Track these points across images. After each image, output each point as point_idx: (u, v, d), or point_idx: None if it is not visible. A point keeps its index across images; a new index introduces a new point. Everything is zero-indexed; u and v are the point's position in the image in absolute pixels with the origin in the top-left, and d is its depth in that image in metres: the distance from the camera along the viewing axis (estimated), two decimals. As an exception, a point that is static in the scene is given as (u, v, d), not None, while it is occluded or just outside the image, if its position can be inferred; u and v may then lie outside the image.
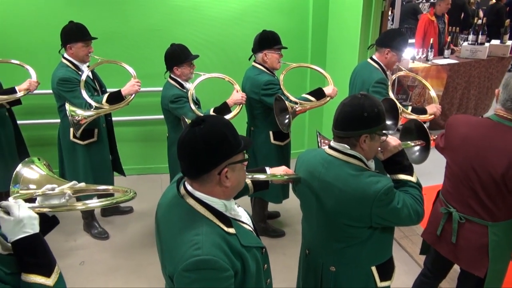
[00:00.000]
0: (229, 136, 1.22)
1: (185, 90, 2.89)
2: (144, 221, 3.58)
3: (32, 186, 1.36)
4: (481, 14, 8.02)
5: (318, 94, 2.94)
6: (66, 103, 2.80)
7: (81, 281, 2.86)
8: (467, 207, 2.01)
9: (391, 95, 2.83)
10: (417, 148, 2.11)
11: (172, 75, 2.92)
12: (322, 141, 2.11)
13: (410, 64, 5.05)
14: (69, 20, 2.94)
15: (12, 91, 2.89)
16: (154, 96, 3.49)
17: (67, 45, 2.89)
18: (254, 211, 3.33)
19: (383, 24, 3.64)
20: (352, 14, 3.73)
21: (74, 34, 2.87)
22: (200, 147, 1.20)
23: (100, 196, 1.50)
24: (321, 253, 1.75)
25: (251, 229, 1.40)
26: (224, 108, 2.85)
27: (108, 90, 3.14)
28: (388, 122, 2.45)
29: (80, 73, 2.91)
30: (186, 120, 2.67)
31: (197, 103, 2.98)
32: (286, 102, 2.74)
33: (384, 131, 1.63)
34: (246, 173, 1.61)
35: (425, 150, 2.08)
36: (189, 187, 1.30)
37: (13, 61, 3.09)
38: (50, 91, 3.14)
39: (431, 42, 5.23)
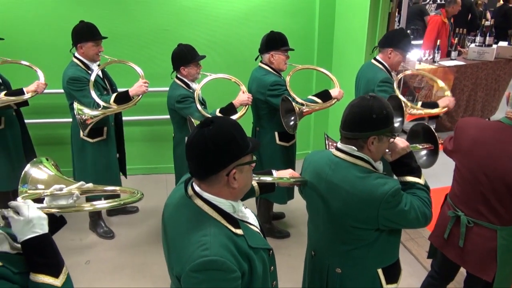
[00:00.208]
0: (237, 138, 1.23)
1: (191, 90, 2.89)
2: (149, 221, 3.59)
3: (40, 186, 1.37)
4: (488, 15, 7.98)
5: (324, 96, 2.93)
6: (75, 102, 2.82)
7: (86, 279, 2.87)
8: (475, 210, 1.99)
9: (398, 94, 2.80)
10: (424, 152, 2.09)
11: (178, 75, 2.93)
12: (329, 143, 2.10)
13: (417, 65, 5.03)
14: (77, 20, 2.97)
15: (20, 92, 2.91)
16: (161, 96, 3.51)
17: (77, 45, 2.92)
18: (260, 212, 3.33)
19: (390, 25, 3.63)
20: (358, 16, 3.71)
21: (85, 33, 2.90)
22: (209, 148, 1.20)
23: (107, 197, 1.51)
24: (327, 255, 1.74)
25: (258, 231, 1.40)
26: (230, 109, 2.85)
27: (117, 89, 3.17)
28: (397, 120, 2.43)
29: (90, 72, 2.94)
30: (192, 120, 2.67)
31: (203, 103, 2.99)
32: (293, 103, 2.73)
33: (393, 132, 1.62)
34: (253, 175, 1.61)
35: (433, 154, 2.06)
36: (197, 188, 1.30)
37: (23, 62, 3.11)
38: (58, 90, 3.17)
39: (438, 43, 5.20)
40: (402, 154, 1.68)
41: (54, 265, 1.19)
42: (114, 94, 2.92)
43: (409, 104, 2.73)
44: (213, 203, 1.27)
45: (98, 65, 3.01)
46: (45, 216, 1.22)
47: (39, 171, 1.40)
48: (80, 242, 3.28)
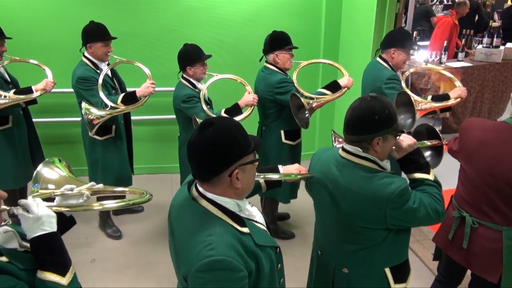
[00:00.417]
0: (238, 138, 1.22)
1: (197, 90, 2.90)
2: (155, 221, 3.60)
3: (51, 186, 1.38)
4: (496, 16, 7.92)
5: (334, 87, 2.91)
6: (83, 102, 2.84)
7: (91, 278, 2.88)
8: (480, 211, 1.98)
9: (406, 90, 2.76)
10: (429, 153, 2.08)
11: (184, 75, 2.93)
12: (336, 139, 2.09)
13: (423, 66, 5.00)
14: (86, 20, 2.99)
15: (29, 90, 2.93)
16: (167, 96, 3.52)
17: (87, 44, 2.94)
18: (264, 212, 3.32)
19: (397, 26, 3.61)
20: (365, 16, 3.70)
21: (94, 33, 2.92)
22: (209, 150, 1.19)
23: (116, 197, 1.52)
24: (334, 254, 1.74)
25: (265, 229, 1.39)
26: (236, 110, 2.85)
27: (126, 88, 3.19)
28: (407, 116, 2.40)
29: (99, 71, 2.95)
30: (197, 120, 2.68)
31: (209, 103, 2.99)
32: (302, 99, 2.72)
33: (398, 130, 1.59)
34: (260, 173, 1.61)
35: (438, 155, 2.05)
36: (200, 189, 1.30)
37: (31, 61, 3.13)
38: (66, 90, 3.19)
39: (444, 44, 5.18)
40: (409, 151, 1.66)
41: (61, 264, 1.20)
42: (122, 95, 2.93)
43: (418, 99, 2.66)
44: (217, 203, 1.27)
45: (107, 65, 3.03)
46: (54, 214, 1.23)
47: (51, 171, 1.41)
48: (85, 241, 3.30)
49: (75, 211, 1.33)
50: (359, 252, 1.65)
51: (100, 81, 2.88)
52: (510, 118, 1.91)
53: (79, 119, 3.18)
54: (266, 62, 3.02)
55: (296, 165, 1.76)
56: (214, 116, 2.75)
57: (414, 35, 5.68)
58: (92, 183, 1.43)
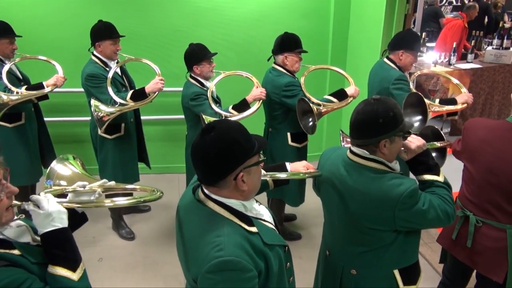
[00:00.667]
0: (241, 141, 1.21)
1: (205, 88, 2.90)
2: (162, 220, 3.60)
3: (63, 182, 1.40)
4: (506, 18, 7.83)
5: (340, 95, 2.91)
6: (92, 99, 2.86)
7: (99, 277, 2.89)
8: (484, 210, 1.98)
9: (414, 90, 2.75)
10: (433, 155, 2.09)
11: (192, 75, 2.94)
12: (344, 139, 2.09)
13: (432, 68, 4.97)
14: (95, 20, 3.01)
15: (40, 86, 2.97)
16: (175, 96, 3.53)
17: (96, 43, 2.97)
18: (271, 213, 3.31)
19: (406, 27, 3.59)
20: (374, 17, 3.69)
21: (103, 32, 2.95)
22: (212, 155, 1.19)
23: (126, 194, 1.54)
24: (342, 255, 1.73)
25: (273, 227, 1.39)
26: (243, 105, 2.84)
27: (135, 86, 3.20)
28: (417, 118, 2.38)
29: (108, 69, 2.98)
30: (204, 117, 2.68)
31: (217, 101, 2.99)
32: (311, 104, 2.71)
33: (406, 131, 1.58)
34: (267, 172, 1.60)
35: (441, 157, 2.06)
36: (207, 191, 1.29)
37: (40, 57, 3.18)
38: (76, 89, 3.21)
39: (454, 46, 5.14)
40: (418, 152, 1.65)
41: (71, 259, 1.21)
42: (131, 91, 2.95)
43: (428, 101, 2.66)
44: (224, 204, 1.27)
45: (116, 63, 3.05)
46: (65, 210, 1.24)
47: (64, 168, 1.43)
48: (93, 239, 3.32)
49: (86, 208, 1.34)
50: (368, 254, 1.64)
51: (110, 75, 2.90)
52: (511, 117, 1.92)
53: (88, 118, 3.20)
54: (275, 63, 3.02)
55: (304, 162, 1.75)
56: (222, 113, 2.75)
57: (423, 36, 5.65)
58: (104, 180, 1.44)
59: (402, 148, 1.65)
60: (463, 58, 5.46)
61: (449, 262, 2.30)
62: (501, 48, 5.18)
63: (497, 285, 2.00)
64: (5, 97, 2.82)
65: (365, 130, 1.53)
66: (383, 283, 1.67)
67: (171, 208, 3.70)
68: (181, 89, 3.02)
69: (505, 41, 5.17)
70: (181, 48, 3.01)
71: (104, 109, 2.85)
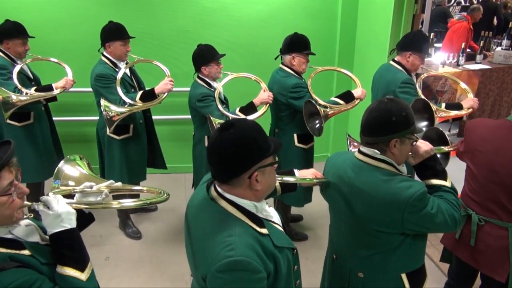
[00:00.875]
0: (258, 140, 1.22)
1: (212, 89, 2.91)
2: (168, 220, 3.62)
3: (71, 183, 1.42)
4: (515, 18, 7.74)
5: (347, 97, 2.91)
6: (102, 99, 2.88)
7: (105, 276, 2.91)
8: (486, 209, 1.99)
9: (421, 95, 2.75)
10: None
11: (200, 75, 2.95)
12: (351, 143, 2.08)
13: (440, 69, 4.93)
14: (104, 21, 3.03)
15: (49, 88, 3.02)
16: (182, 96, 3.54)
17: (106, 43, 2.99)
18: (279, 214, 3.31)
19: (414, 28, 3.56)
20: (382, 18, 3.67)
21: (113, 33, 2.97)
22: (230, 152, 1.20)
23: (133, 195, 1.55)
24: (349, 259, 1.72)
25: (282, 230, 1.39)
26: (250, 108, 2.85)
27: (145, 87, 3.22)
28: (424, 123, 2.39)
29: (117, 70, 3.00)
30: (212, 118, 2.69)
31: (224, 102, 3.00)
32: (318, 106, 2.71)
33: (414, 135, 1.59)
34: (276, 176, 1.61)
35: (444, 159, 2.06)
36: (219, 189, 1.30)
37: (52, 59, 3.22)
38: (85, 89, 3.24)
39: (462, 46, 5.10)
40: (425, 157, 1.65)
41: (80, 259, 1.22)
42: (140, 92, 2.97)
43: (434, 107, 2.67)
44: (236, 203, 1.27)
45: (126, 64, 3.07)
46: (74, 211, 1.25)
47: (72, 168, 1.45)
48: (100, 238, 3.34)
49: (94, 209, 1.35)
50: (375, 257, 1.63)
51: (119, 76, 2.92)
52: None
53: (96, 118, 3.23)
54: (282, 63, 3.02)
55: (312, 170, 1.77)
56: (229, 115, 2.76)
57: (431, 37, 5.62)
58: (111, 181, 1.46)
59: (410, 153, 1.65)
60: (468, 59, 5.42)
61: (454, 263, 2.30)
62: (510, 48, 5.13)
63: (501, 284, 2.00)
64: (14, 97, 2.87)
65: (377, 127, 1.54)
66: (390, 286, 1.66)
67: (178, 208, 3.71)
68: (188, 89, 3.03)
69: (514, 41, 5.13)
70: (188, 48, 3.03)
71: (115, 109, 2.87)
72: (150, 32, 3.91)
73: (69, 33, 3.84)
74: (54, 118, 3.38)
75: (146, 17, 3.90)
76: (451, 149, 1.98)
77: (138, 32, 3.56)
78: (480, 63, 5.13)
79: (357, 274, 1.69)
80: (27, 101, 2.92)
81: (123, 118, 2.90)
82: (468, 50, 5.41)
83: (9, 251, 1.14)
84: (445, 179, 1.65)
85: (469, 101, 2.76)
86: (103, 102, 2.85)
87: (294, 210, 3.51)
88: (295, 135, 3.06)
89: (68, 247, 1.21)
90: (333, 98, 2.93)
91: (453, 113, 2.71)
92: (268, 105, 2.89)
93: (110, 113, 2.84)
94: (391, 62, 2.96)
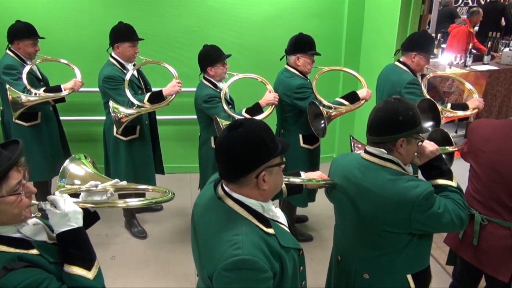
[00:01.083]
0: (266, 140, 1.22)
1: (218, 90, 2.92)
2: (174, 220, 3.63)
3: (77, 181, 1.43)
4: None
5: (352, 97, 2.90)
6: (110, 101, 2.90)
7: (111, 275, 2.92)
8: (489, 208, 1.99)
9: (426, 96, 2.74)
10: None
11: (206, 76, 2.96)
12: (355, 145, 2.08)
13: (447, 69, 4.90)
14: (112, 22, 3.04)
15: (58, 89, 3.04)
16: (188, 96, 3.55)
17: (115, 44, 3.00)
18: (285, 215, 3.31)
19: (421, 28, 3.54)
20: (388, 19, 3.65)
21: (123, 34, 2.97)
22: (238, 151, 1.20)
23: (138, 195, 1.56)
24: (355, 260, 1.72)
25: (288, 230, 1.39)
26: (256, 109, 2.85)
27: (152, 89, 3.23)
28: (430, 124, 2.38)
29: (125, 71, 3.01)
30: (218, 120, 2.70)
31: (230, 103, 3.01)
32: (321, 107, 2.71)
33: (421, 135, 1.59)
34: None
35: (448, 160, 2.06)
36: (227, 188, 1.30)
37: (62, 60, 3.25)
38: (93, 89, 3.26)
39: (470, 47, 5.07)
40: (431, 157, 1.66)
41: (87, 258, 1.23)
42: (148, 94, 2.99)
43: (440, 107, 2.67)
44: (243, 203, 1.28)
45: (134, 65, 3.08)
46: (81, 210, 1.27)
47: (77, 167, 1.46)
48: (106, 237, 3.36)
49: (100, 208, 1.36)
50: (381, 258, 1.63)
51: (128, 77, 2.93)
52: None
53: (103, 118, 3.25)
54: (287, 64, 3.02)
55: (318, 172, 1.77)
56: (235, 116, 2.76)
57: (438, 38, 5.59)
58: (116, 180, 1.47)
59: (416, 153, 1.65)
60: (475, 60, 5.39)
61: (458, 265, 2.30)
62: (518, 49, 5.09)
63: (504, 285, 2.00)
64: (24, 97, 2.90)
65: (384, 127, 1.54)
66: (396, 287, 1.66)
67: (183, 208, 3.72)
68: (193, 89, 3.04)
69: (523, 42, 5.08)
70: (194, 49, 3.03)
71: (123, 110, 2.88)
72: (156, 32, 3.93)
73: (77, 33, 3.87)
74: (61, 118, 3.41)
75: (153, 18, 3.91)
76: (456, 149, 1.98)
77: (145, 33, 3.57)
78: (487, 64, 5.09)
79: (363, 275, 1.69)
80: (36, 102, 2.96)
81: (131, 120, 2.91)
82: (474, 51, 5.38)
83: (17, 251, 1.15)
84: (451, 179, 1.65)
85: (475, 101, 2.76)
86: (111, 103, 2.87)
87: (299, 211, 3.50)
88: (300, 135, 3.05)
89: (75, 246, 1.22)
90: (338, 99, 2.92)
91: (459, 113, 2.71)
92: (273, 106, 2.89)
93: (118, 114, 2.85)
94: (396, 63, 2.95)
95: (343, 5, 4.13)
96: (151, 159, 3.31)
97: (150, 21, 3.90)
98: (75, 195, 1.36)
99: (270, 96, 2.88)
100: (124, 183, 1.47)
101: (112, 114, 2.86)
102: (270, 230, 1.27)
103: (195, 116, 3.10)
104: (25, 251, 1.16)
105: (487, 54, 5.14)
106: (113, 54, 3.04)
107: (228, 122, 2.69)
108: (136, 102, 2.90)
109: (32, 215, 1.25)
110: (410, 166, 1.66)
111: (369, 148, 1.63)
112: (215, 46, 2.93)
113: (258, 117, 2.78)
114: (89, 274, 1.21)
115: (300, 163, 3.05)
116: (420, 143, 1.62)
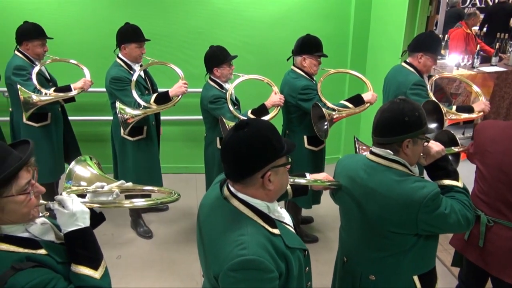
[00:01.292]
0: (272, 140, 1.22)
1: (224, 91, 2.92)
2: (179, 220, 3.64)
3: (83, 183, 1.44)
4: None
5: (357, 100, 2.89)
6: (117, 101, 2.91)
7: (117, 274, 2.94)
8: (495, 209, 1.99)
9: (432, 97, 2.73)
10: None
11: (212, 77, 2.97)
12: (360, 147, 2.08)
13: (455, 71, 4.87)
14: (119, 23, 3.06)
15: (68, 89, 3.06)
16: (194, 96, 3.57)
17: (121, 45, 3.01)
18: (291, 216, 3.31)
19: (428, 29, 3.52)
20: (395, 20, 3.64)
21: (129, 35, 2.99)
22: (244, 151, 1.20)
23: (144, 195, 1.57)
24: (360, 261, 1.71)
25: (294, 231, 1.39)
26: (262, 110, 2.86)
27: (158, 89, 3.25)
28: (433, 125, 2.38)
29: (132, 72, 3.02)
30: (224, 120, 2.71)
31: (236, 103, 3.01)
32: (323, 109, 2.71)
33: (426, 136, 1.59)
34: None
35: (454, 161, 2.06)
36: (232, 189, 1.31)
37: (71, 61, 3.27)
38: (101, 89, 3.28)
39: (477, 48, 5.03)
40: (437, 157, 1.66)
41: (93, 258, 1.24)
42: (155, 95, 3.00)
43: (444, 109, 2.66)
44: (249, 203, 1.28)
45: (140, 66, 3.10)
46: (88, 210, 1.28)
47: (83, 169, 1.48)
48: (112, 237, 3.38)
49: (106, 208, 1.37)
50: (387, 259, 1.62)
51: (134, 78, 2.94)
52: None
53: (110, 118, 3.27)
54: (293, 65, 3.02)
55: (324, 174, 1.77)
56: (241, 117, 2.77)
57: (445, 38, 5.56)
58: (122, 181, 1.48)
59: (421, 154, 1.65)
60: (483, 61, 5.35)
61: (464, 266, 2.29)
62: (527, 51, 5.04)
63: (510, 286, 1.99)
64: (35, 97, 2.93)
65: (390, 128, 1.54)
66: (402, 288, 1.65)
67: (189, 208, 3.74)
68: (200, 90, 3.05)
69: (531, 44, 5.03)
70: (201, 49, 3.05)
71: (130, 111, 2.90)
72: (163, 33, 3.95)
73: (84, 34, 3.90)
74: (70, 118, 3.43)
75: (159, 18, 3.94)
76: (461, 149, 1.98)
77: (151, 33, 3.60)
78: (495, 65, 5.05)
79: (369, 277, 1.68)
80: (47, 101, 2.98)
81: (138, 120, 2.93)
82: (481, 52, 5.35)
83: (26, 251, 1.17)
84: (457, 179, 1.65)
85: (481, 104, 2.75)
86: (118, 104, 2.88)
87: (305, 212, 3.50)
88: (305, 137, 3.05)
89: (82, 245, 1.23)
90: (342, 101, 2.91)
91: (464, 115, 2.70)
92: (279, 107, 2.89)
93: (125, 115, 2.87)
94: (403, 64, 2.94)
95: (349, 6, 4.12)
96: (158, 159, 3.32)
97: (156, 22, 3.92)
98: (81, 196, 1.38)
99: (276, 97, 2.88)
100: (129, 184, 1.49)
101: (119, 115, 2.87)
102: (276, 231, 1.27)
103: (201, 117, 3.11)
104: (33, 251, 1.17)
105: (495, 55, 5.10)
106: (119, 55, 3.06)
107: (233, 123, 2.69)
108: (142, 103, 2.91)
109: (40, 214, 1.26)
110: (416, 166, 1.65)
111: (375, 149, 1.62)
112: (221, 47, 2.94)
113: (264, 118, 2.78)
114: (96, 274, 1.22)
115: (305, 164, 3.04)
116: (426, 143, 1.62)
